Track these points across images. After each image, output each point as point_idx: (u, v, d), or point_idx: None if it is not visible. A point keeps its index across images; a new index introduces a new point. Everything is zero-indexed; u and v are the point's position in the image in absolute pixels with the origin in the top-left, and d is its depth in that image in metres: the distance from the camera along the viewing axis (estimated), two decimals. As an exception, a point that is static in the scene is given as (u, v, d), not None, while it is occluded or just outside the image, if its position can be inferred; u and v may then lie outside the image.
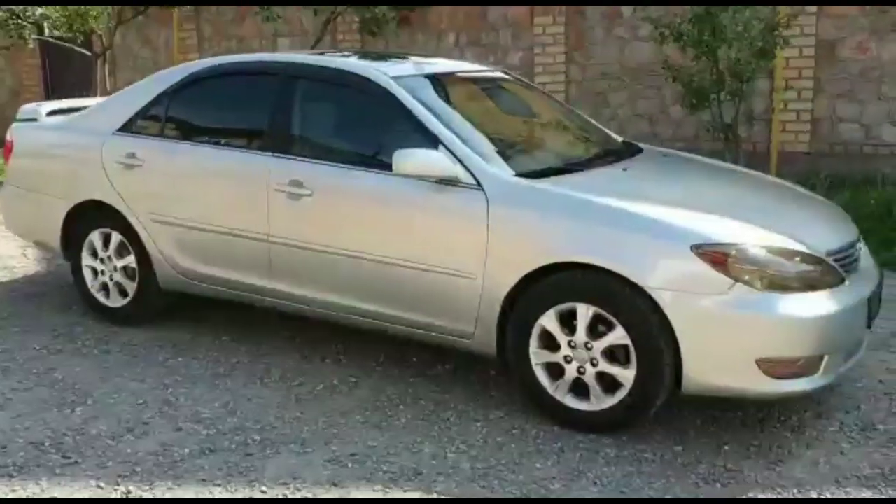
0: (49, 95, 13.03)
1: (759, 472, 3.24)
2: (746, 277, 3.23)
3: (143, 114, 4.67)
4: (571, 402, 3.55)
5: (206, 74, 4.59)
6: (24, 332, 4.76)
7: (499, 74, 4.97)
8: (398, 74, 4.08)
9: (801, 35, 8.73)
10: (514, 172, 3.69)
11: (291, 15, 11.10)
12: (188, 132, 4.55)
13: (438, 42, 10.73)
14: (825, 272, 3.39)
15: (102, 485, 3.15)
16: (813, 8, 8.56)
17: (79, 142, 4.86)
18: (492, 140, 3.95)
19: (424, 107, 3.88)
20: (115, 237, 4.74)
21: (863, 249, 3.95)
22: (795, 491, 3.11)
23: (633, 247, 3.36)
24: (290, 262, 4.15)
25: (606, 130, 4.87)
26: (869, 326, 3.57)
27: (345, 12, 10.19)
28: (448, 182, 3.68)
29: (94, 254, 4.85)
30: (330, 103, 4.22)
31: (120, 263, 4.76)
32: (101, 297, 4.89)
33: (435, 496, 3.08)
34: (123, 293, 4.82)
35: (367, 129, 4.09)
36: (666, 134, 9.42)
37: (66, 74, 13.06)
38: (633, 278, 3.31)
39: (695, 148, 8.18)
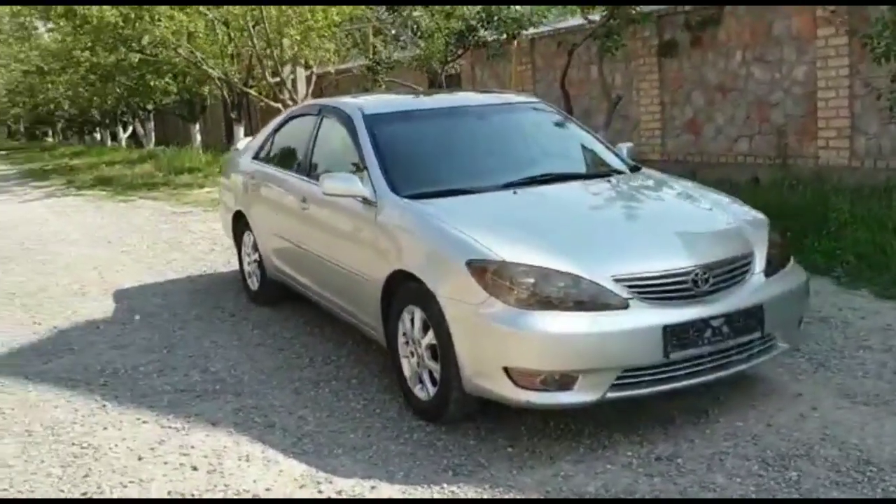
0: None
1: (504, 473, 3.51)
2: (499, 292, 3.53)
3: (263, 144, 6.21)
4: (418, 391, 4.11)
5: (294, 115, 5.95)
6: (197, 305, 6.59)
7: (518, 103, 5.46)
8: (372, 112, 4.93)
9: None
10: (404, 194, 4.34)
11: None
12: (274, 159, 5.95)
13: (727, 61, 10.55)
14: (595, 295, 3.48)
15: (96, 397, 4.67)
16: None
17: (238, 165, 6.57)
18: (415, 166, 4.61)
19: (371, 140, 4.69)
20: (250, 237, 6.34)
21: (747, 279, 3.79)
22: (503, 489, 3.36)
23: (435, 260, 3.86)
24: (307, 262, 5.27)
25: (610, 154, 5.06)
26: (667, 356, 3.48)
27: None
28: (365, 200, 4.49)
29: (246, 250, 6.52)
30: (328, 134, 5.24)
31: (254, 257, 6.35)
32: (249, 282, 6.53)
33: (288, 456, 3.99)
34: (257, 280, 6.39)
35: (343, 156, 5.00)
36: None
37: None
38: (431, 287, 3.81)
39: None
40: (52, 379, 5.03)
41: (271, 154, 6.08)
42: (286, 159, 5.78)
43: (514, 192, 4.34)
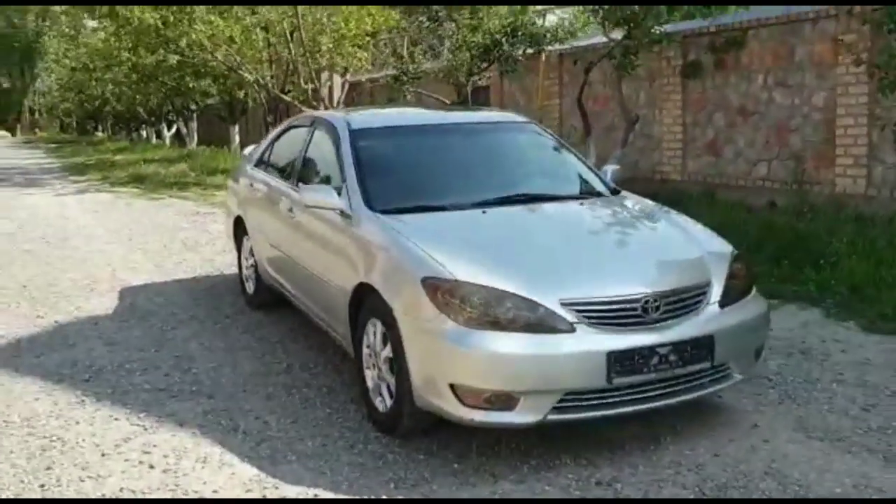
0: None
1: (445, 488, 3.58)
2: (450, 310, 3.60)
3: (264, 152, 6.36)
4: (377, 403, 4.19)
5: (291, 125, 6.09)
6: (196, 306, 6.76)
7: (507, 123, 5.53)
8: (358, 127, 5.03)
9: None
10: (378, 208, 4.42)
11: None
12: (270, 167, 6.10)
13: (749, 84, 10.48)
14: (542, 318, 3.53)
15: (76, 390, 4.84)
16: None
17: (242, 171, 6.73)
18: (392, 181, 4.70)
19: (353, 154, 4.79)
20: (248, 242, 6.49)
21: (701, 309, 3.80)
22: (434, 505, 3.43)
23: (394, 275, 3.94)
24: (293, 270, 5.38)
25: (593, 176, 5.10)
26: (610, 382, 3.52)
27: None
28: (342, 213, 4.59)
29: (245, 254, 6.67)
30: (318, 146, 5.34)
31: (251, 262, 6.49)
32: (246, 286, 6.68)
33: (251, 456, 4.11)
34: (253, 284, 6.53)
35: (329, 168, 5.10)
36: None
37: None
38: (388, 301, 3.89)
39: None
40: (40, 373, 5.20)
41: (268, 162, 6.23)
42: (280, 168, 5.93)
43: (484, 212, 4.40)
